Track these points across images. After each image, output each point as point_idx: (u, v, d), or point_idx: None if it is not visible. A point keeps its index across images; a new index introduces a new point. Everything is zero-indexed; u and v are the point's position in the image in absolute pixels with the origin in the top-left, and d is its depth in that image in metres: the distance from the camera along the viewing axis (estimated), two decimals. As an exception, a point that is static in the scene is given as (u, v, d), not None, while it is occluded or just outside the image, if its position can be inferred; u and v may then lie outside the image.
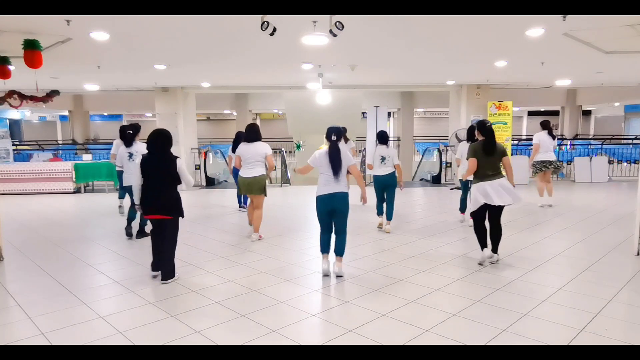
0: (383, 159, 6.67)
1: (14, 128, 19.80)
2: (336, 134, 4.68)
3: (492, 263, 4.99)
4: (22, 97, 7.54)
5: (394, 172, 6.66)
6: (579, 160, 12.36)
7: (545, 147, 8.31)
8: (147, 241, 6.17)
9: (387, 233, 6.58)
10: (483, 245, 5.01)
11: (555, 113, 22.18)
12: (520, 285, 4.33)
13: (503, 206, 4.93)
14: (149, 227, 5.46)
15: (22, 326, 3.56)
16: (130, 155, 6.52)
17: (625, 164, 13.13)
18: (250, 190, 6.19)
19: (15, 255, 5.61)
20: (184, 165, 4.66)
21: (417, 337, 3.26)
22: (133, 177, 5.01)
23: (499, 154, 5.03)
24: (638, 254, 5.23)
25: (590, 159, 12.31)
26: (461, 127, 11.49)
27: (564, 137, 18.92)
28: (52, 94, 7.74)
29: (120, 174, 7.35)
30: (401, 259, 5.19)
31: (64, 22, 5.16)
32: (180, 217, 4.62)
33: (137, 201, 4.58)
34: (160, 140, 4.51)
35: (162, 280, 4.49)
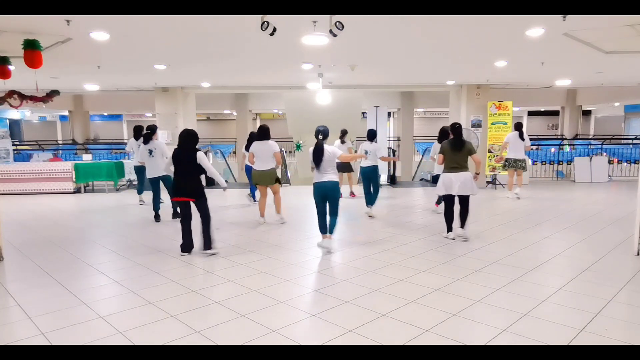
0: (366, 152, 7.73)
1: (14, 128, 19.79)
2: (322, 134, 5.56)
3: (462, 239, 5.95)
4: (22, 97, 7.53)
5: (375, 166, 7.79)
6: (579, 160, 12.36)
7: (514, 147, 9.49)
8: (149, 240, 6.21)
9: (370, 217, 7.61)
10: (449, 229, 6.11)
11: (555, 113, 22.19)
12: (520, 285, 4.33)
13: (468, 195, 5.98)
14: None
15: (22, 326, 3.56)
16: (150, 151, 7.49)
17: (625, 163, 13.13)
18: (264, 182, 6.99)
19: (15, 255, 5.61)
20: (204, 157, 5.49)
21: (417, 337, 3.26)
22: (158, 170, 6.73)
23: (465, 151, 5.96)
24: (638, 254, 5.23)
25: (591, 159, 12.31)
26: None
27: (564, 137, 18.93)
28: (52, 94, 7.73)
29: (140, 169, 8.54)
30: (401, 259, 5.19)
31: (64, 22, 5.16)
32: (205, 200, 5.49)
33: (167, 172, 5.79)
34: (187, 138, 5.49)
35: (203, 250, 5.42)
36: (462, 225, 6.03)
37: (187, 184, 5.43)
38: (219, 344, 3.20)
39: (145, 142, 7.55)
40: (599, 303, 3.84)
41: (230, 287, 4.36)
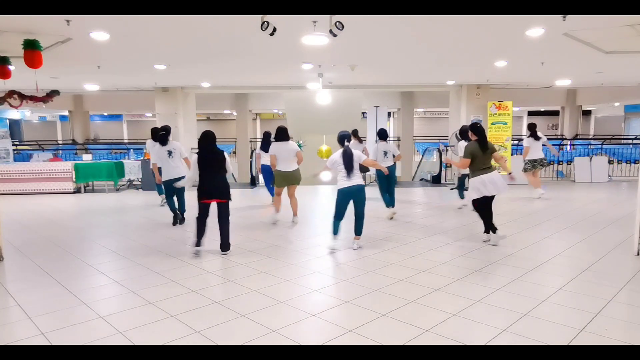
0: (385, 153, 7.68)
1: (14, 128, 19.80)
2: (348, 139, 5.72)
3: (502, 238, 5.80)
4: (22, 97, 7.55)
5: (394, 165, 7.75)
6: (579, 160, 12.35)
7: (533, 148, 9.49)
8: (149, 240, 6.21)
9: (393, 216, 7.54)
10: (488, 229, 5.86)
11: (555, 113, 22.18)
12: (520, 285, 4.33)
13: (494, 195, 5.81)
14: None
15: (22, 326, 3.56)
16: (170, 152, 7.23)
17: (625, 163, 13.14)
18: (290, 182, 7.11)
19: (15, 255, 5.61)
20: (229, 159, 5.64)
21: (417, 337, 3.26)
22: (176, 171, 7.02)
23: (491, 150, 5.84)
24: (638, 254, 5.23)
25: (591, 159, 12.31)
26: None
27: (563, 137, 18.92)
28: (52, 94, 7.75)
29: (159, 171, 8.16)
30: (401, 259, 5.20)
31: (64, 22, 5.17)
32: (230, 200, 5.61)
33: (187, 187, 5.90)
34: (209, 140, 5.49)
35: (222, 251, 5.51)
36: (494, 229, 5.81)
37: (219, 185, 5.44)
38: (219, 344, 3.21)
39: (163, 143, 7.27)
40: (599, 303, 3.84)
41: (230, 287, 4.36)
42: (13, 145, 13.31)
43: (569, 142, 16.91)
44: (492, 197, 5.82)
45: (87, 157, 12.07)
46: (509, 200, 9.35)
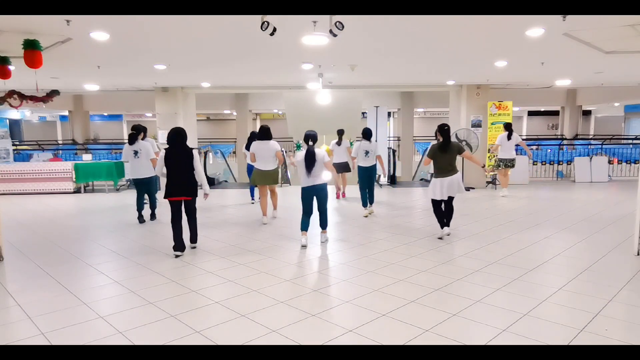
0: (367, 152, 7.76)
1: (14, 128, 19.80)
2: (312, 139, 5.81)
3: (447, 235, 6.09)
4: (22, 97, 7.54)
5: (375, 165, 7.86)
6: (579, 160, 12.35)
7: (504, 147, 9.85)
8: (149, 240, 6.21)
9: (368, 215, 7.69)
10: (442, 225, 6.17)
11: (556, 113, 22.19)
12: (520, 285, 4.33)
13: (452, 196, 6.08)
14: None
15: (22, 326, 3.56)
16: (135, 152, 7.26)
17: (624, 163, 13.14)
18: (266, 181, 7.11)
19: (15, 255, 5.61)
20: (198, 158, 5.52)
21: (417, 337, 3.26)
22: (142, 171, 7.17)
23: (453, 151, 6.03)
24: (638, 254, 5.23)
25: (591, 159, 12.31)
26: (461, 127, 11.50)
27: (563, 137, 18.93)
28: (52, 94, 7.74)
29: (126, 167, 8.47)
30: (401, 259, 5.20)
31: (64, 22, 5.16)
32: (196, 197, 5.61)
33: (160, 175, 5.59)
34: (177, 137, 5.44)
35: (191, 244, 5.72)
36: (448, 223, 6.14)
37: (185, 183, 5.39)
38: (219, 344, 3.21)
39: (131, 142, 7.30)
40: (599, 303, 3.84)
41: (230, 287, 4.37)
42: (13, 145, 13.30)
43: (565, 145, 16.92)
44: (451, 197, 6.09)
45: (87, 157, 12.06)
46: (510, 200, 9.35)
